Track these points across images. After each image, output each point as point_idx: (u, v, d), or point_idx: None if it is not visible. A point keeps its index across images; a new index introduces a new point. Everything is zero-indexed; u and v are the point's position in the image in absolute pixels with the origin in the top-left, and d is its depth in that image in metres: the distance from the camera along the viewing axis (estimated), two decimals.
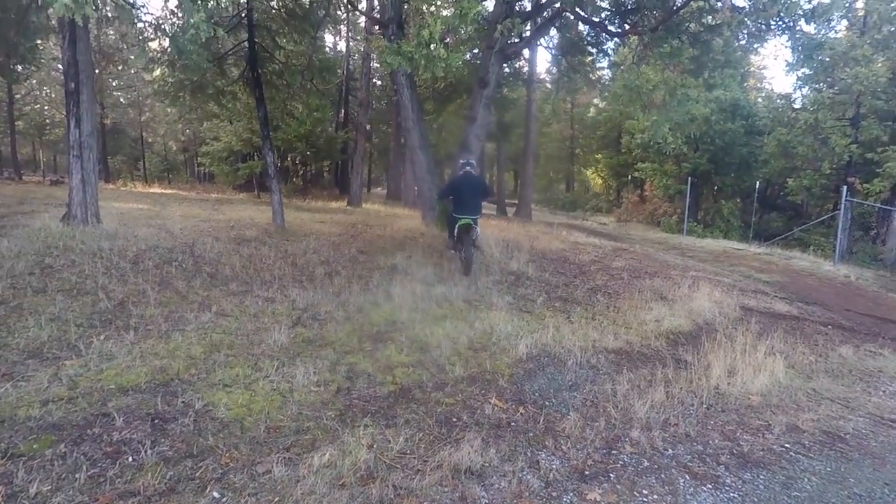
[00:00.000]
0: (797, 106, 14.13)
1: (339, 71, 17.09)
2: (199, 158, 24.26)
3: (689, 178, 14.91)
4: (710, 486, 2.82)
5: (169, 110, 25.08)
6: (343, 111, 20.10)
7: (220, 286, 5.26)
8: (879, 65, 12.42)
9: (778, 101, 15.96)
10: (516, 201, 18.52)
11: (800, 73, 13.97)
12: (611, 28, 8.45)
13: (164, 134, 33.15)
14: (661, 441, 3.27)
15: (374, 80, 18.88)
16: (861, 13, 13.66)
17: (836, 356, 5.71)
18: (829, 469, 3.13)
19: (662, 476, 2.88)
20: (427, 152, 9.04)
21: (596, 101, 27.69)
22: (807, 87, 14.26)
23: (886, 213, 13.05)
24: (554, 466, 2.85)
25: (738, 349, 5.09)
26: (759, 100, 18.06)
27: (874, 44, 12.52)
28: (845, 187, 11.38)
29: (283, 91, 10.22)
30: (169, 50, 7.62)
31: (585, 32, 9.45)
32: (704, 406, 3.99)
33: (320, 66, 11.37)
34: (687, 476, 2.90)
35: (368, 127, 17.80)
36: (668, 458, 3.10)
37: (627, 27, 8.21)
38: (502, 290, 6.40)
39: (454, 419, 3.33)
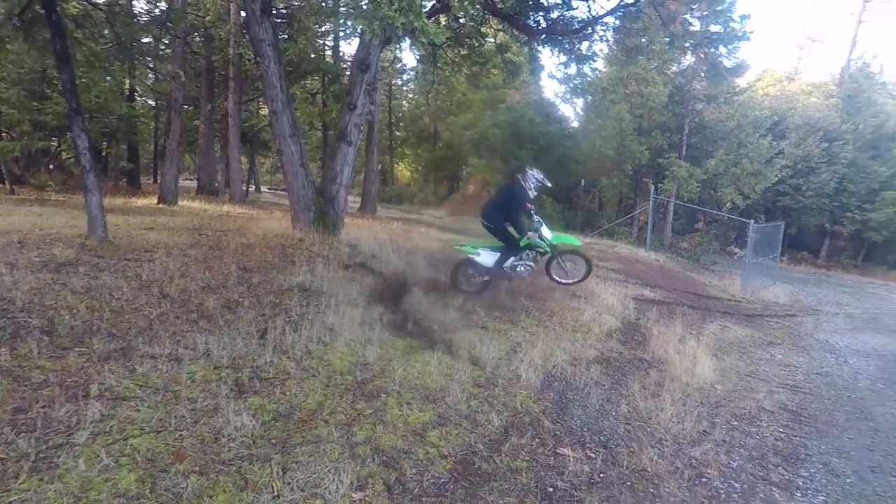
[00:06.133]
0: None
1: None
2: None
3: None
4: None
5: None
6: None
7: (76, 347, 3.33)
8: (661, 87, 15.51)
9: (590, 110, 18.64)
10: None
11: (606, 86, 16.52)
12: (529, 24, 8.32)
13: None
14: (721, 452, 3.19)
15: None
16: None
17: (709, 334, 6.68)
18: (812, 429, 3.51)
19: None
20: (299, 141, 7.56)
21: (410, 94, 28.05)
22: (608, 101, 16.91)
23: (665, 207, 16.47)
24: None
25: (668, 342, 5.57)
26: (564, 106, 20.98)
27: (657, 69, 15.66)
28: (651, 187, 13.95)
29: (94, 42, 6.99)
30: None
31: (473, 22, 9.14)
32: (699, 404, 4.16)
33: (171, 17, 7.84)
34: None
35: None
36: (738, 459, 3.02)
37: (545, 26, 8.21)
38: (437, 304, 5.72)
39: (549, 487, 2.68)
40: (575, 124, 18.89)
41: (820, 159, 20.54)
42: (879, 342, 7.71)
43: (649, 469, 3.01)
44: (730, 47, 15.84)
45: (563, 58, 8.73)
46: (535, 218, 6.24)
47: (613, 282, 8.91)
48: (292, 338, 4.01)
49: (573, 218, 17.72)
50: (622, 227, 16.84)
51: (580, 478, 2.82)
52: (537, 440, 3.15)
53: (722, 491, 2.93)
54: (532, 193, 6.15)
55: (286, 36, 12.70)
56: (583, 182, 15.79)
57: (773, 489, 3.04)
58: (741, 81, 19.57)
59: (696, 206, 15.87)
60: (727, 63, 15.97)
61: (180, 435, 2.60)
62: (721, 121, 16.05)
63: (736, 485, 3.02)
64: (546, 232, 6.25)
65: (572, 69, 8.72)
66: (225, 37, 14.23)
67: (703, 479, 3.02)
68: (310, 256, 6.63)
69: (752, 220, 11.40)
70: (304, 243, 7.32)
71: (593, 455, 3.08)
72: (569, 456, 3.00)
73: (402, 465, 2.66)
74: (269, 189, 32.54)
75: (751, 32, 15.39)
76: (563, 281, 6.70)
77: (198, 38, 15.34)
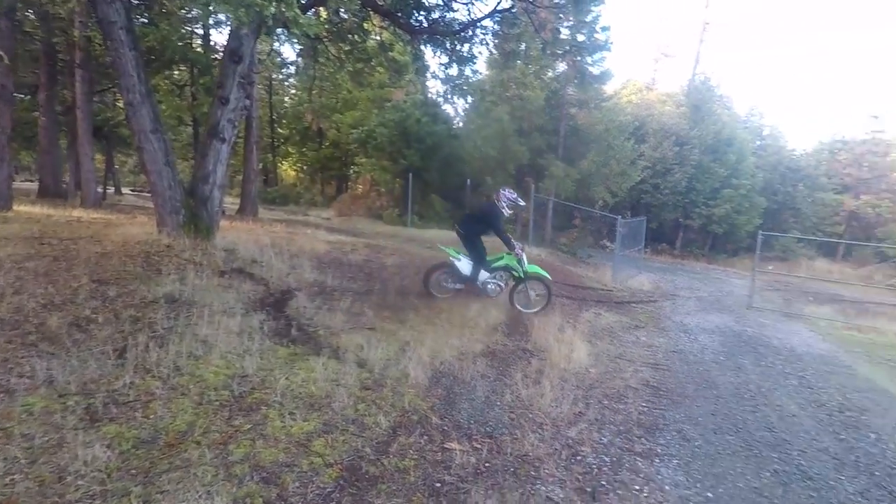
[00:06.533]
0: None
1: None
2: None
3: (410, 174, 16.38)
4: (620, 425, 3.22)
5: None
6: None
7: None
8: (539, 91, 16.57)
9: (474, 111, 19.28)
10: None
11: (486, 89, 17.25)
12: (411, 23, 8.22)
13: None
14: (594, 430, 3.52)
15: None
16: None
17: (585, 321, 7.31)
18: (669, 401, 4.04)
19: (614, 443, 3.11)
20: (163, 137, 6.83)
21: (293, 90, 26.81)
22: (489, 102, 17.69)
23: (545, 205, 17.64)
24: (558, 491, 2.69)
25: (548, 331, 5.99)
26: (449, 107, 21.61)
27: (535, 74, 16.73)
28: (533, 186, 14.83)
29: None
30: None
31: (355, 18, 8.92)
32: (576, 387, 4.53)
33: None
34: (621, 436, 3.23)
35: None
36: (608, 435, 3.36)
37: (427, 25, 8.19)
38: (324, 307, 5.56)
39: (436, 483, 2.74)
40: (460, 125, 19.54)
41: (673, 161, 23.43)
42: (721, 320, 9.00)
43: (531, 453, 3.22)
44: (595, 56, 17.47)
45: (445, 58, 9.00)
46: (518, 245, 6.84)
47: None
48: (158, 354, 3.65)
49: (461, 217, 18.21)
50: (507, 224, 17.69)
51: (467, 470, 2.93)
52: (425, 437, 3.21)
53: (594, 466, 3.22)
54: (507, 212, 6.71)
55: (145, 20, 11.46)
56: (469, 181, 16.41)
57: (637, 459, 3.40)
58: (608, 89, 21.63)
59: (572, 204, 17.26)
60: (594, 71, 17.60)
61: (12, 479, 2.26)
62: (592, 125, 17.65)
63: (606, 458, 3.34)
64: (523, 261, 6.81)
65: (454, 70, 9.03)
66: (67, 16, 12.41)
67: (579, 457, 3.29)
68: (179, 264, 6.08)
69: (620, 216, 12.65)
70: (172, 250, 6.69)
71: (479, 446, 3.22)
72: (456, 449, 3.10)
73: (285, 480, 2.56)
74: (132, 191, 29.21)
75: (612, 43, 17.13)
76: (525, 310, 6.94)
77: (30, 16, 13.20)
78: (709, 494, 3.05)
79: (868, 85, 60.84)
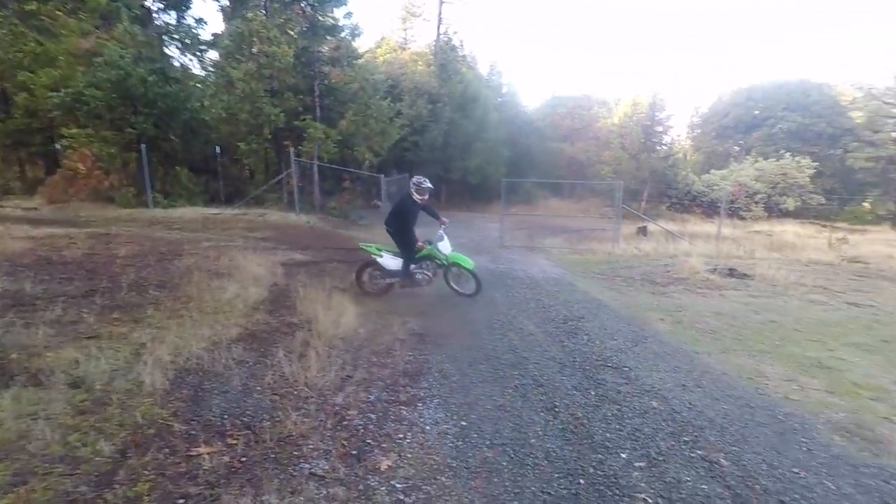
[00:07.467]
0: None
1: None
2: None
3: (143, 145, 13.63)
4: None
5: None
6: None
7: None
8: (286, 47, 15.43)
9: (213, 69, 16.92)
10: None
11: (224, 45, 15.34)
12: None
13: None
14: (361, 391, 3.63)
15: None
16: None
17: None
18: (433, 346, 4.47)
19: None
20: None
21: None
22: (224, 53, 15.82)
23: (310, 169, 17.04)
24: (322, 463, 2.71)
25: (316, 300, 5.89)
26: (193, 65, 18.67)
27: (279, 28, 15.49)
28: (292, 150, 13.96)
29: None
30: None
31: None
32: (344, 352, 4.59)
33: None
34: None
35: None
36: (375, 392, 3.52)
37: None
38: (18, 323, 4.37)
39: (179, 500, 2.44)
40: (201, 86, 17.13)
41: (429, 118, 25.12)
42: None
43: (294, 433, 3.10)
44: (330, 8, 17.28)
45: (154, 3, 7.59)
46: (440, 232, 7.11)
47: (262, 251, 8.79)
48: None
49: (217, 189, 16.43)
50: (272, 193, 16.69)
51: (218, 473, 2.66)
52: (165, 451, 2.81)
53: (360, 427, 3.28)
54: (417, 198, 6.78)
55: None
56: (218, 149, 14.65)
57: (402, 408, 3.59)
58: (360, 46, 21.64)
59: (338, 167, 17.10)
60: (329, 22, 17.43)
61: None
62: (347, 83, 17.49)
63: (372, 416, 3.43)
64: (445, 247, 7.03)
65: (171, 18, 7.71)
66: None
67: (345, 423, 3.31)
68: None
69: (382, 175, 13.06)
70: None
71: (234, 441, 2.97)
72: (204, 454, 2.79)
73: None
74: None
75: None
76: (461, 291, 7.21)
77: None
78: (463, 423, 3.41)
79: (583, 47, 74.93)
